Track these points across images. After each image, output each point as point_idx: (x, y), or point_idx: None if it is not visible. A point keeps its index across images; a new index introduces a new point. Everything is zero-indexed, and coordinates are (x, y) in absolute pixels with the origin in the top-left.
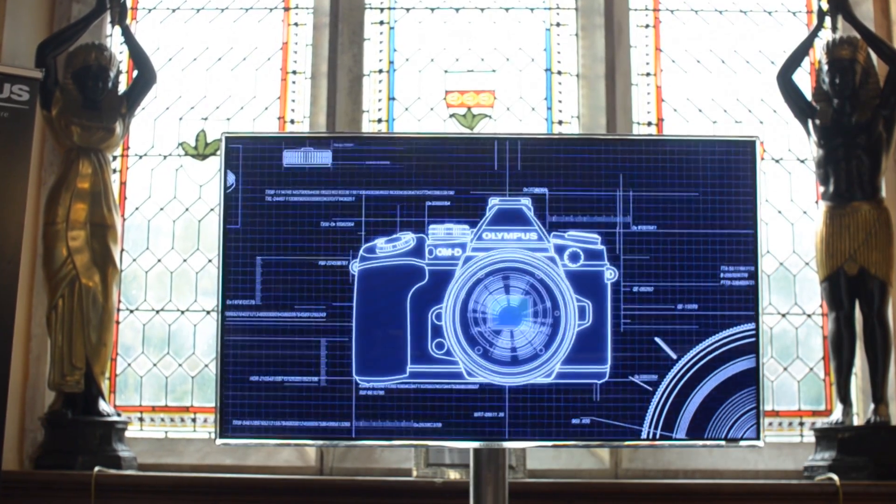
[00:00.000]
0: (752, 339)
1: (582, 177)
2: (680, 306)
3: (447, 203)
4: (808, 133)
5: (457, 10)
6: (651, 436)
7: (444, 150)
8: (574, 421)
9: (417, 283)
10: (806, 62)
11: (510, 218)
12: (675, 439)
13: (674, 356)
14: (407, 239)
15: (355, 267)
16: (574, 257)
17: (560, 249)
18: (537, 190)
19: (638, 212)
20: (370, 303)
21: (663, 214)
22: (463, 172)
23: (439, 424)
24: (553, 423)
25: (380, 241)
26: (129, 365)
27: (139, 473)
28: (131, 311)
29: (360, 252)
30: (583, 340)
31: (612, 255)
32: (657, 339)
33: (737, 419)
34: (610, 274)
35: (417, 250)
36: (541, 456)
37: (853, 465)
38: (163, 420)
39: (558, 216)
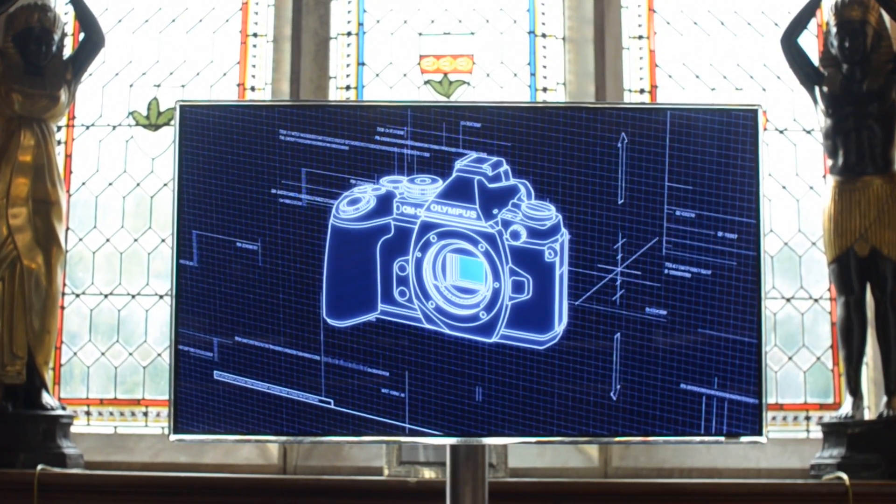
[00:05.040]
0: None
1: (567, 148)
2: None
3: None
4: (815, 101)
5: None
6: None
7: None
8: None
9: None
10: (813, 24)
11: (466, 186)
12: (670, 435)
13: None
14: (367, 199)
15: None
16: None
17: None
18: (515, 160)
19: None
20: (340, 257)
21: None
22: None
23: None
24: (537, 417)
25: (342, 204)
26: (75, 354)
27: (86, 472)
28: (77, 296)
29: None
30: (523, 311)
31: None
32: (647, 318)
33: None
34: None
35: (385, 206)
36: (523, 453)
37: (864, 463)
38: (112, 414)
39: (540, 193)
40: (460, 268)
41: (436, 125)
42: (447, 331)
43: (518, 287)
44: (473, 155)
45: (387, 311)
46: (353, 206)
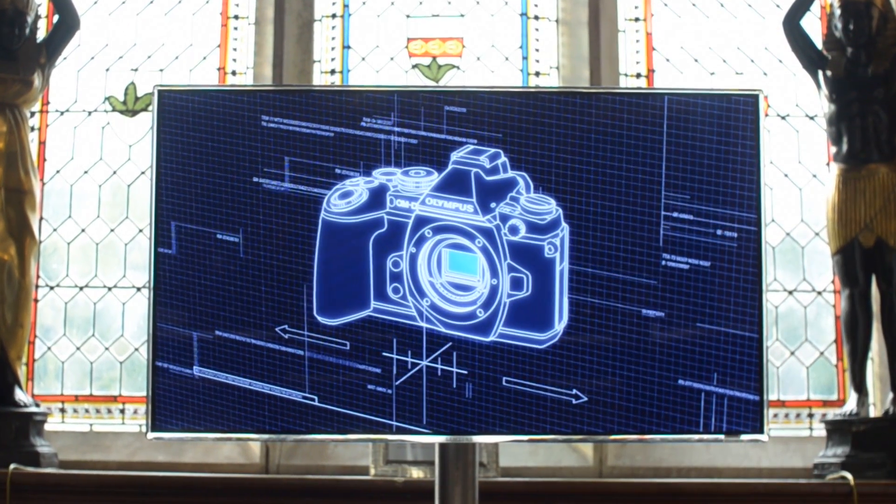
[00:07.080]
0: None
1: (561, 135)
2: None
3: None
4: (819, 86)
5: None
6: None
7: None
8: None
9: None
10: (816, 6)
11: (462, 179)
12: (667, 433)
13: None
14: (360, 192)
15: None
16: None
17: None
18: (508, 149)
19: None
20: (331, 253)
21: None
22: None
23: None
24: (529, 414)
25: (333, 197)
26: (49, 349)
27: (60, 472)
28: (51, 288)
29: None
30: (522, 308)
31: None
32: (644, 311)
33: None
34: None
35: (378, 200)
36: (515, 452)
37: (869, 462)
38: (87, 411)
39: (538, 186)
40: (456, 264)
41: (425, 111)
42: (443, 329)
43: (517, 284)
44: (470, 146)
45: (379, 309)
46: (344, 200)
